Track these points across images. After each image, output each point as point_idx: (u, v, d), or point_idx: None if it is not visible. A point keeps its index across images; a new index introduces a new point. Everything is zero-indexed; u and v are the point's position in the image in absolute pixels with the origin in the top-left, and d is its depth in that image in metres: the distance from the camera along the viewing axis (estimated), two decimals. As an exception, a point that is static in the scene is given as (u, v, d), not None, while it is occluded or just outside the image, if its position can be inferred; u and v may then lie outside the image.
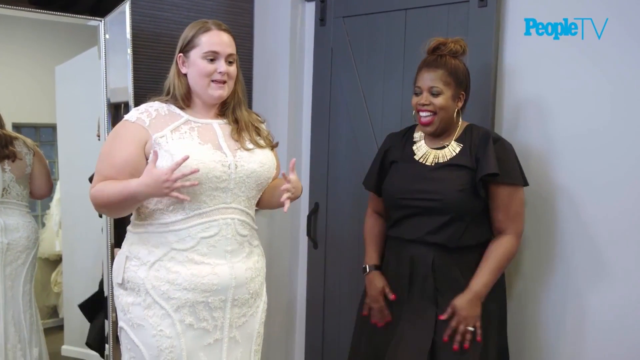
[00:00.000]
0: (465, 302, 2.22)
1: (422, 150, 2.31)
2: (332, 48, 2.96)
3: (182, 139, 2.00)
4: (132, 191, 1.90)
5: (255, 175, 2.08)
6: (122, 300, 2.08)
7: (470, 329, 2.21)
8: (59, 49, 2.96)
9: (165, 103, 2.09)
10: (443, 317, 2.22)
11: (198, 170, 1.95)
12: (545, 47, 2.38)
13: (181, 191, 1.96)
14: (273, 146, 2.20)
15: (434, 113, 2.21)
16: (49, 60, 2.94)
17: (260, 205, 2.28)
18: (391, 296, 2.39)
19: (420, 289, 2.29)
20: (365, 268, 2.48)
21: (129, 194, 1.91)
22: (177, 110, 2.07)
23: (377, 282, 2.42)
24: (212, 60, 2.04)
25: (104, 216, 2.77)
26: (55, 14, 2.75)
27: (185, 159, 1.82)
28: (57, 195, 3.01)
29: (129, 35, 2.66)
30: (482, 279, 2.23)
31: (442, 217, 2.23)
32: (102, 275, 2.92)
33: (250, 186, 2.08)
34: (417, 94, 2.25)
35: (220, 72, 2.04)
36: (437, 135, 2.28)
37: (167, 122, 2.03)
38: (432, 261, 2.26)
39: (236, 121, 2.14)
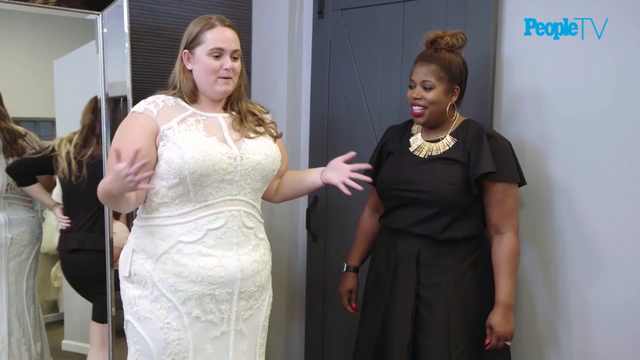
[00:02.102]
0: (500, 319, 2.24)
1: (418, 142, 2.33)
2: (330, 40, 2.97)
3: (188, 131, 2.04)
4: (106, 188, 1.94)
5: (260, 167, 2.11)
6: (128, 293, 2.11)
7: (508, 344, 2.23)
8: (57, 42, 2.96)
9: (171, 96, 2.13)
10: (487, 343, 2.25)
11: (148, 161, 1.98)
12: (545, 47, 2.41)
13: (190, 193, 2.04)
14: (276, 136, 2.24)
15: (426, 107, 2.24)
16: (48, 54, 2.93)
17: (282, 196, 2.37)
18: (353, 305, 2.57)
19: (404, 281, 2.32)
20: (344, 265, 2.58)
21: (106, 191, 1.96)
22: (183, 103, 2.11)
23: (347, 283, 2.57)
24: (217, 57, 2.07)
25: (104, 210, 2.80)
26: (53, 8, 2.73)
27: (138, 151, 1.85)
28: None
29: (126, 29, 2.68)
30: (505, 289, 2.25)
31: (429, 209, 2.26)
32: (105, 267, 2.85)
33: (255, 178, 2.12)
34: (411, 87, 2.27)
35: (226, 69, 2.07)
36: (431, 127, 2.31)
37: (174, 113, 2.07)
38: (419, 253, 2.29)
39: (238, 112, 2.17)
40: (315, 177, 2.29)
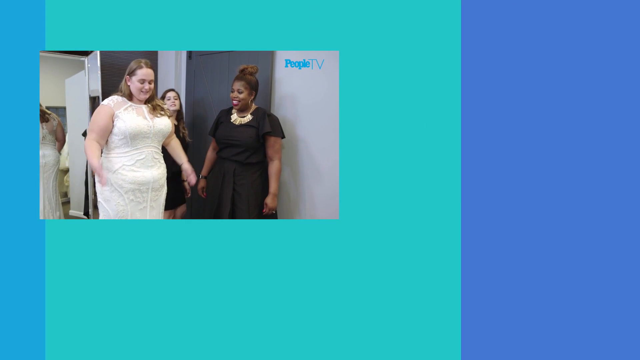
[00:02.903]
0: (270, 200, 2.96)
1: (235, 117, 3.03)
2: (194, 71, 3.95)
3: (129, 114, 2.56)
4: (91, 163, 2.46)
5: (162, 132, 2.69)
6: (99, 188, 2.61)
7: (274, 212, 2.94)
8: (66, 70, 3.84)
9: (120, 96, 2.64)
10: (264, 212, 2.84)
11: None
12: (295, 73, 3.08)
13: (129, 142, 2.55)
14: (169, 117, 2.78)
15: (239, 101, 2.94)
16: (62, 76, 3.86)
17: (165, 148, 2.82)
18: (204, 195, 3.17)
19: (227, 184, 2.97)
20: (200, 175, 3.15)
21: (90, 162, 2.46)
22: (126, 100, 2.63)
23: (201, 183, 3.23)
24: (142, 82, 2.60)
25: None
26: (65, 53, 3.66)
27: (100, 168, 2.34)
28: (67, 139, 3.97)
29: (99, 64, 3.46)
30: (273, 186, 2.97)
31: (239, 149, 2.94)
32: (87, 177, 3.77)
33: (159, 136, 2.68)
34: (232, 92, 2.97)
35: (145, 89, 2.62)
36: (241, 110, 3.00)
37: (122, 105, 2.59)
38: (234, 170, 2.96)
39: (152, 105, 2.70)
40: (180, 164, 2.86)
